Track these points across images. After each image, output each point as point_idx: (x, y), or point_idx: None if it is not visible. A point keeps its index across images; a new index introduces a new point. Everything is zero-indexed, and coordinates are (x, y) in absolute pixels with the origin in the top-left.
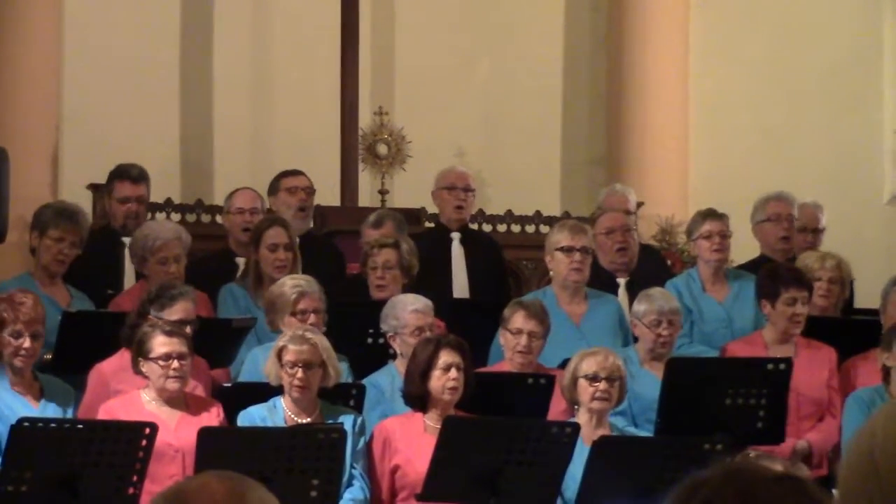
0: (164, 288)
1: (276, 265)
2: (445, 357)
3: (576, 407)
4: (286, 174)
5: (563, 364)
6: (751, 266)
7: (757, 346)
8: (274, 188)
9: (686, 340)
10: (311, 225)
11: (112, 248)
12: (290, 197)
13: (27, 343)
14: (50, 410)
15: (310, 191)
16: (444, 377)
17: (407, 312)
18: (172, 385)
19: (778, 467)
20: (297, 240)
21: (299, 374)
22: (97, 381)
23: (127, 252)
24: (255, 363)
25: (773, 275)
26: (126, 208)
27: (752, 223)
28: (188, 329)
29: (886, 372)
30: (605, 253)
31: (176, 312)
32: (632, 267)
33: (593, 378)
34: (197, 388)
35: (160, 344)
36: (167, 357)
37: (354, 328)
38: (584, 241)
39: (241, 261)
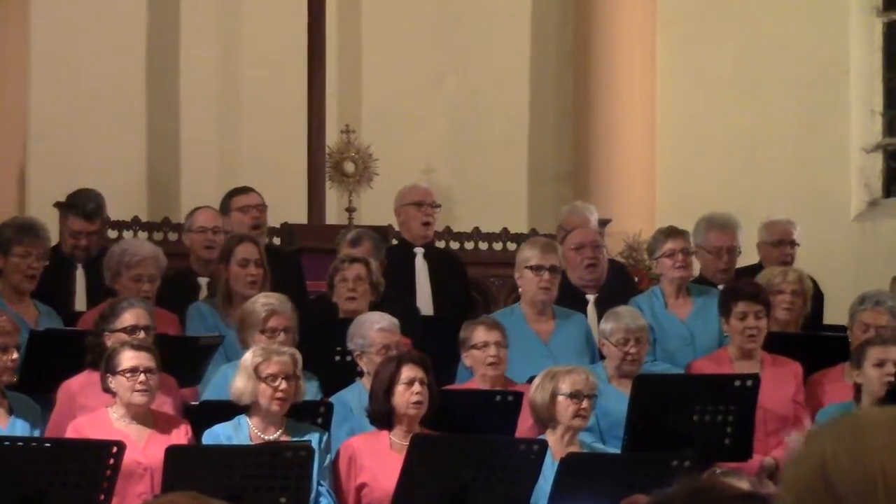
0: (112, 303)
1: (247, 281)
2: (408, 372)
3: (549, 424)
4: (236, 192)
5: (530, 382)
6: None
7: (723, 362)
8: (225, 207)
9: (650, 358)
10: (266, 241)
11: (64, 267)
12: (242, 216)
13: (14, 355)
14: (18, 428)
15: (262, 208)
16: (408, 392)
17: (373, 331)
18: (139, 399)
19: (744, 484)
20: None
21: (283, 385)
22: (65, 398)
23: (79, 274)
24: (226, 380)
25: (727, 291)
26: (74, 242)
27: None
28: (143, 334)
29: (857, 389)
30: (574, 269)
31: (126, 320)
32: (601, 283)
33: (575, 396)
34: (165, 405)
35: (127, 358)
36: (134, 370)
37: (322, 346)
38: (554, 259)
39: (203, 280)
